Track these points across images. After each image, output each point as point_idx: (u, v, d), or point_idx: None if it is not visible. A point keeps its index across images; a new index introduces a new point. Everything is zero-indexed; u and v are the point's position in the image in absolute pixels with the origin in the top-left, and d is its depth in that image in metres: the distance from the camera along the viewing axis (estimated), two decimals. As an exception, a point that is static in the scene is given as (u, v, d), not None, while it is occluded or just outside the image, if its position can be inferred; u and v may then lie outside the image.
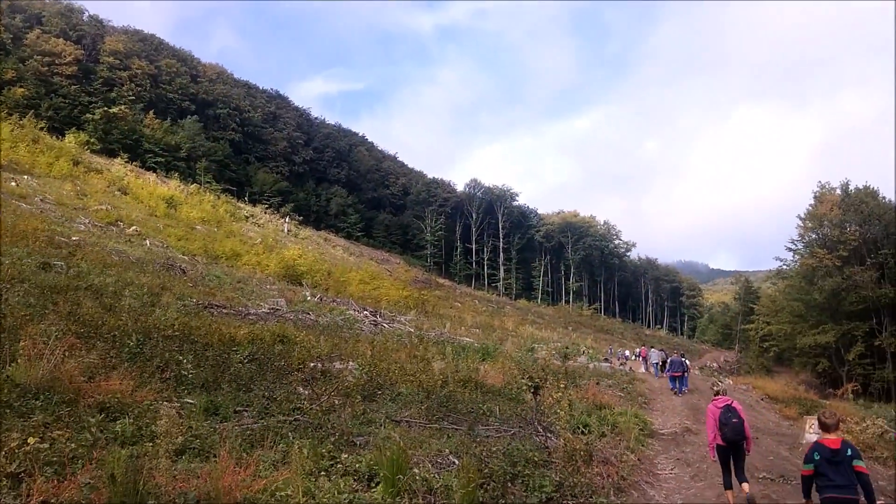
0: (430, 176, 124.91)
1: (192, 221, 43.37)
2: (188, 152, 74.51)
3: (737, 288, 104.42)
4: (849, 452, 6.98)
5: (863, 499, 6.80)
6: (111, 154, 58.84)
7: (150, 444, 6.46)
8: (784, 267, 63.71)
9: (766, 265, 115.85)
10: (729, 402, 10.03)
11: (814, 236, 57.29)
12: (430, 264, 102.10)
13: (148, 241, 30.83)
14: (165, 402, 7.75)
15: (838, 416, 7.50)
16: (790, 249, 61.47)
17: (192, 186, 57.70)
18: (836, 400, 35.68)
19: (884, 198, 54.03)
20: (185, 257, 30.88)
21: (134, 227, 32.74)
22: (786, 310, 60.00)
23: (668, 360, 26.85)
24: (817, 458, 7.06)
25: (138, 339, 10.65)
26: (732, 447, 9.84)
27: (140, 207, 40.61)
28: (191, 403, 8.65)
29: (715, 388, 11.46)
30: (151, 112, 75.97)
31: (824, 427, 7.33)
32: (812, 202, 58.67)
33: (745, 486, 9.86)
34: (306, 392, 10.67)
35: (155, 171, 63.30)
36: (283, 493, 6.17)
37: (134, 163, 58.81)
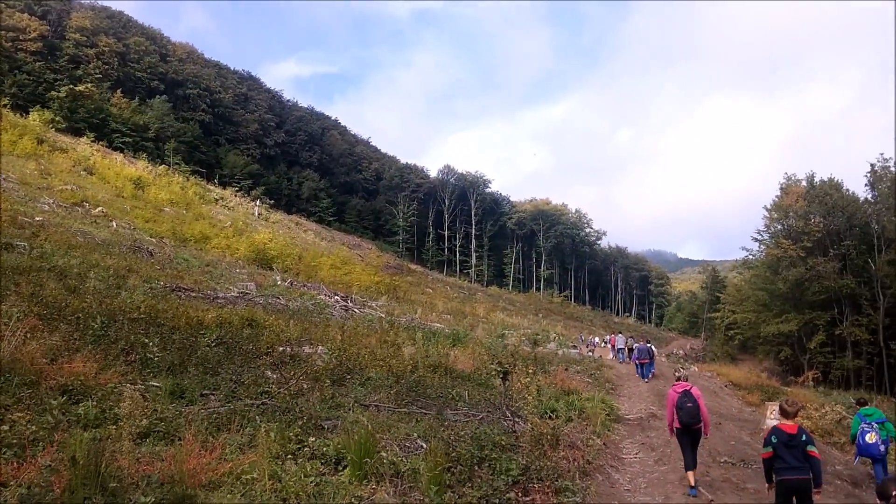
0: (403, 161, 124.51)
1: (160, 203, 42.71)
2: (157, 133, 73.29)
3: (704, 277, 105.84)
4: (803, 438, 7.59)
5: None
6: (77, 133, 57.67)
7: (114, 426, 6.38)
8: (750, 257, 64.80)
9: (733, 255, 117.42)
10: (687, 388, 10.44)
11: (779, 227, 58.26)
12: (403, 250, 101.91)
13: (114, 223, 30.33)
14: (129, 385, 7.64)
15: (798, 405, 8.14)
16: (756, 240, 62.51)
17: (160, 168, 56.78)
18: (797, 387, 36.46)
19: (848, 190, 55.12)
20: (153, 240, 30.43)
21: (100, 209, 32.18)
22: (751, 299, 61.02)
23: (636, 347, 27.43)
24: (775, 441, 7.63)
25: (103, 322, 10.50)
26: (688, 430, 10.29)
27: (106, 188, 39.90)
28: (156, 387, 8.56)
29: (676, 374, 11.79)
30: (119, 91, 74.48)
31: (785, 414, 7.91)
32: (778, 193, 59.64)
33: (691, 474, 10.35)
34: (274, 376, 10.61)
35: (122, 151, 62.15)
36: (248, 477, 6.14)
37: (100, 142, 57.63)
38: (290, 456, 7.09)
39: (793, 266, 51.97)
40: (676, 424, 10.39)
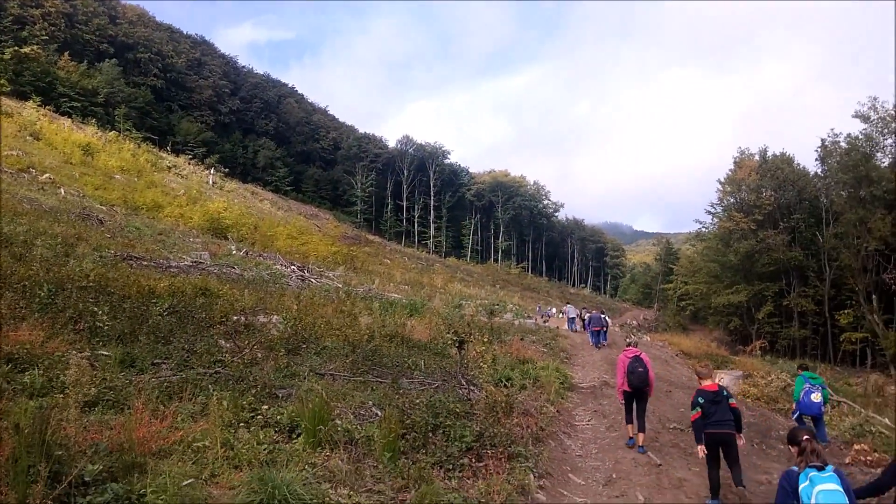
0: (361, 131, 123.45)
1: (110, 170, 41.54)
2: (106, 98, 71.09)
3: (658, 249, 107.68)
4: (724, 393, 8.76)
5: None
6: (22, 97, 55.56)
7: (61, 395, 6.26)
8: (703, 229, 66.02)
9: (687, 227, 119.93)
10: (638, 354, 11.20)
11: (732, 200, 59.41)
12: (361, 221, 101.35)
13: (62, 190, 29.48)
14: (76, 353, 7.48)
15: (710, 367, 9.69)
16: (709, 213, 63.68)
17: (110, 134, 55.13)
18: (745, 356, 37.53)
19: (799, 164, 56.37)
20: (103, 207, 29.68)
21: (47, 175, 31.22)
22: (703, 270, 62.33)
23: (589, 317, 28.18)
24: (702, 400, 8.65)
25: (50, 290, 10.24)
26: (637, 393, 11.07)
27: (54, 154, 38.66)
28: (105, 355, 8.40)
29: (627, 340, 12.70)
30: (66, 54, 71.85)
31: (701, 375, 9.15)
32: (732, 167, 60.72)
33: (641, 436, 11.12)
34: (228, 345, 10.51)
35: (70, 116, 60.16)
36: (200, 445, 6.10)
37: (47, 107, 55.59)
38: (242, 424, 7.05)
39: (744, 238, 53.13)
40: (626, 388, 11.10)
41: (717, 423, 8.50)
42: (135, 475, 5.14)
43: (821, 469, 5.08)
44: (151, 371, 8.36)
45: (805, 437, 5.37)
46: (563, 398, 14.72)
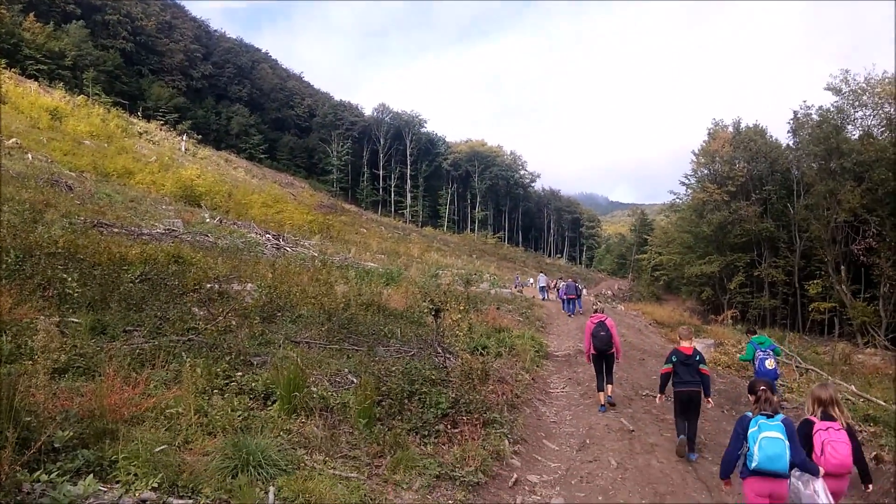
0: (336, 98, 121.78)
1: (79, 135, 40.62)
2: (74, 61, 69.25)
3: (633, 220, 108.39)
4: (697, 357, 9.35)
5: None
6: (-14, 59, 53.99)
7: (30, 362, 6.15)
8: (677, 200, 66.54)
9: (661, 199, 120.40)
10: (602, 319, 11.87)
11: (706, 172, 59.82)
12: (337, 189, 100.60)
13: (30, 155, 28.79)
14: (45, 319, 7.34)
15: (691, 331, 10.09)
16: (684, 184, 64.10)
17: (79, 98, 53.77)
18: (717, 325, 38.14)
19: (771, 136, 56.82)
20: (72, 174, 29.08)
21: (14, 140, 30.46)
22: (676, 241, 62.90)
23: (564, 285, 28.67)
24: (675, 359, 9.38)
25: (17, 257, 10.04)
26: (602, 355, 11.80)
27: (20, 118, 37.65)
28: (75, 322, 8.27)
29: (594, 307, 13.39)
30: (32, 14, 69.75)
31: (680, 336, 9.85)
32: (706, 139, 61.04)
33: (610, 387, 12.02)
34: (202, 313, 10.40)
35: (37, 79, 58.55)
36: (173, 411, 6.04)
37: (12, 69, 54.12)
38: (216, 391, 7.01)
39: (717, 210, 53.62)
40: (592, 351, 11.88)
41: (684, 383, 9.25)
42: (106, 442, 5.08)
43: (770, 417, 5.67)
44: (123, 338, 8.26)
45: (762, 387, 5.96)
46: (538, 366, 14.84)
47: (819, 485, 5.63)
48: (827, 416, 6.08)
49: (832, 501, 5.61)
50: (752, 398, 6.13)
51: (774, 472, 5.52)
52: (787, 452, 5.50)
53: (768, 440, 5.52)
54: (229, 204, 40.48)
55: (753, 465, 5.56)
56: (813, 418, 6.14)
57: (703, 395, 9.27)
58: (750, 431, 5.67)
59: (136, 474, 4.75)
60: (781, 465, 5.50)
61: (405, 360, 10.08)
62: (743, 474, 5.75)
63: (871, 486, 6.19)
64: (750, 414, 5.88)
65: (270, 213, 43.50)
